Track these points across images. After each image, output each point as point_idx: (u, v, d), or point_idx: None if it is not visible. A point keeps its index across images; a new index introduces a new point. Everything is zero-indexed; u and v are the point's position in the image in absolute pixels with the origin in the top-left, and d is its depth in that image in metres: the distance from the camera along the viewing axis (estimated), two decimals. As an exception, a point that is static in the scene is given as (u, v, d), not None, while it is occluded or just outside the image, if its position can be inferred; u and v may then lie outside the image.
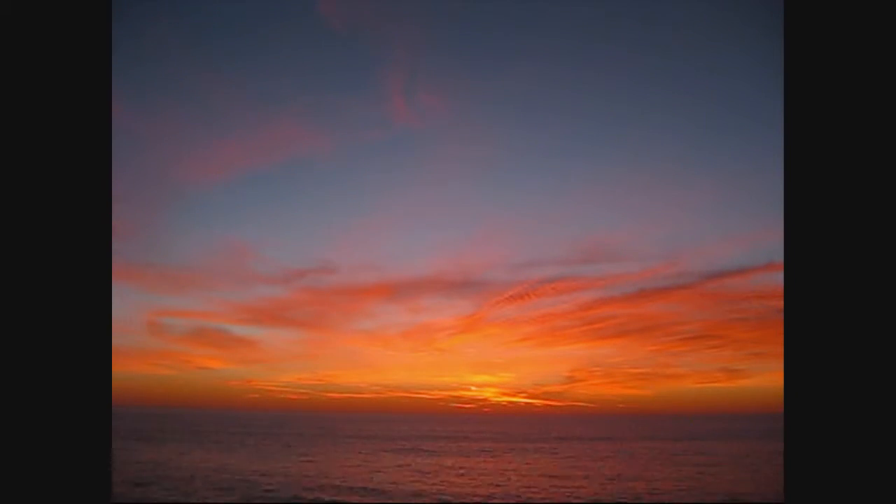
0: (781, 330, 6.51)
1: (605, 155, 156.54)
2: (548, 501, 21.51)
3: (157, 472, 27.38)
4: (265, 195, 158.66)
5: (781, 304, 6.75)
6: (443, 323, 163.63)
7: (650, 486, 24.85)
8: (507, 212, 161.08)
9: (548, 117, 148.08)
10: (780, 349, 6.64)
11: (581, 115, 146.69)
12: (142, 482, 23.84)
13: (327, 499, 21.34)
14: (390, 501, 21.07)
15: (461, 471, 30.64)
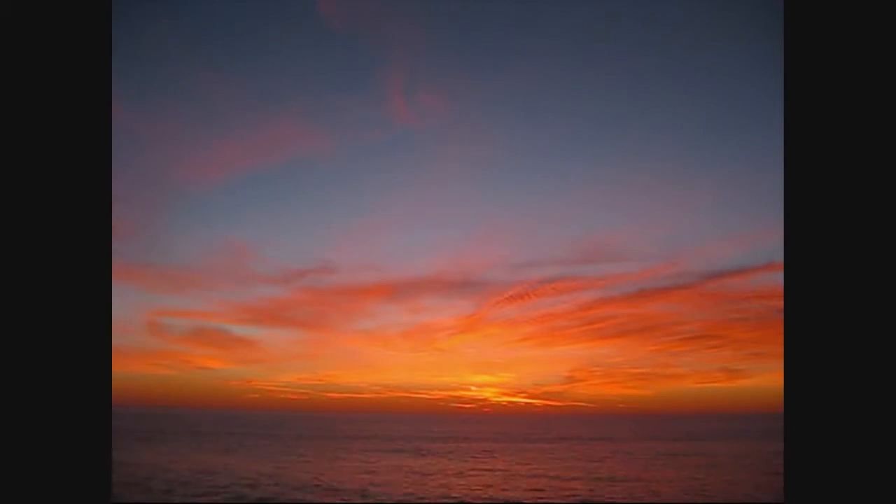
0: (781, 330, 6.52)
1: (605, 155, 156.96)
2: (548, 502, 21.50)
3: (156, 472, 27.37)
4: (265, 195, 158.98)
5: (781, 304, 6.76)
6: (443, 323, 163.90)
7: (650, 486, 24.84)
8: (507, 212, 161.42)
9: (548, 117, 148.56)
10: (780, 349, 6.65)
11: (581, 115, 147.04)
12: (142, 482, 23.83)
13: (327, 499, 21.32)
14: (389, 502, 21.06)
15: (461, 471, 30.63)
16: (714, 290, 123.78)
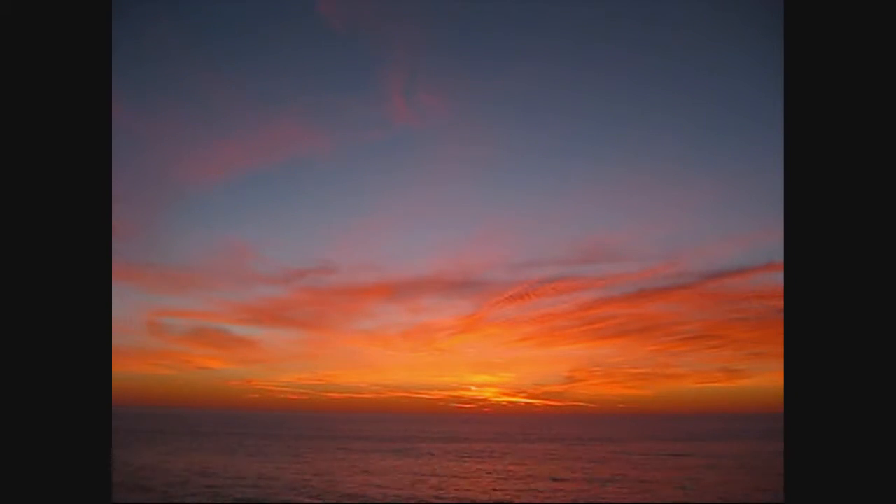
0: (781, 330, 6.51)
1: (605, 155, 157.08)
2: (548, 502, 21.49)
3: (156, 472, 27.36)
4: (265, 195, 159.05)
5: (781, 304, 6.76)
6: (443, 323, 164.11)
7: (650, 486, 24.83)
8: (507, 212, 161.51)
9: (548, 117, 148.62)
10: (780, 349, 6.64)
11: (581, 115, 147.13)
12: (142, 482, 23.82)
13: (327, 500, 21.32)
14: (389, 502, 21.05)
15: (461, 472, 30.62)
16: (714, 290, 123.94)
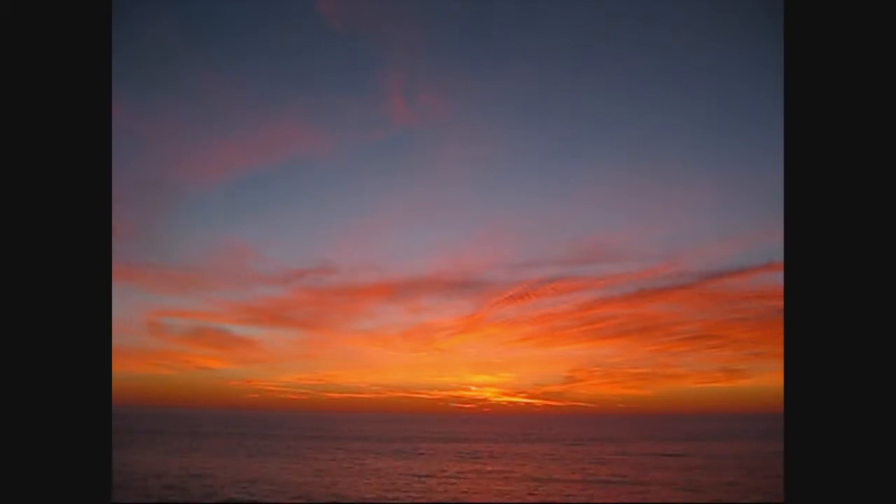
0: (781, 330, 6.51)
1: (605, 155, 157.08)
2: (548, 502, 21.49)
3: (156, 472, 27.35)
4: (265, 195, 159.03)
5: (781, 304, 6.75)
6: (443, 323, 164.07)
7: (650, 486, 24.83)
8: (507, 212, 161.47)
9: (548, 118, 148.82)
10: (780, 349, 6.64)
11: (581, 115, 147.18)
12: (142, 482, 23.82)
13: (326, 500, 21.32)
14: (389, 502, 21.05)
15: (461, 472, 30.62)
16: (714, 290, 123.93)
